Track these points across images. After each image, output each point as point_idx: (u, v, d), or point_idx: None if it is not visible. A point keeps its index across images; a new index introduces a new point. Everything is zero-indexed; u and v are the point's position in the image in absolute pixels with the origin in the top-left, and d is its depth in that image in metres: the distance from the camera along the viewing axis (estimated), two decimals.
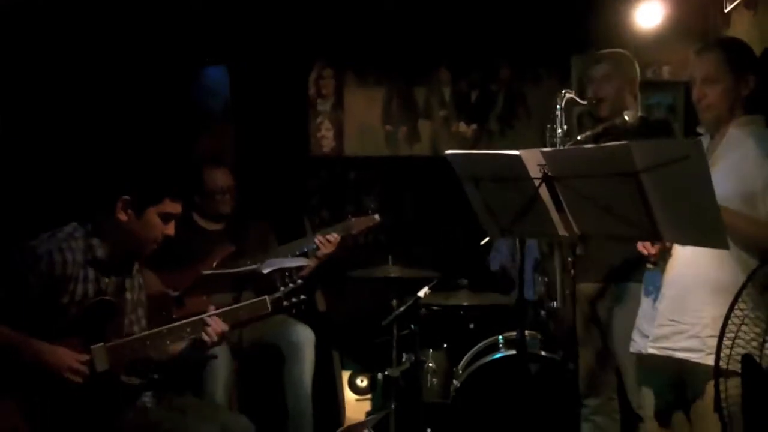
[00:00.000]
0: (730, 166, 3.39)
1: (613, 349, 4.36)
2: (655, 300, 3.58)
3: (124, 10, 5.77)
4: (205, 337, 3.65)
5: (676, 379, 3.53)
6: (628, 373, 4.27)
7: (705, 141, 3.54)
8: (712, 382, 3.20)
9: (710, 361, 3.26)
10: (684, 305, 3.43)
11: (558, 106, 4.32)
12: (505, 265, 5.80)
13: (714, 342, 3.24)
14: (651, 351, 3.54)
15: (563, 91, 4.37)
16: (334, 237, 5.17)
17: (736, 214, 3.28)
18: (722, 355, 3.12)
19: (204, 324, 3.67)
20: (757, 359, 3.14)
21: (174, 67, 6.22)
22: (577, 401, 4.46)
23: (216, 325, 3.67)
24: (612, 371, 4.44)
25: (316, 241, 5.16)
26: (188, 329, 3.67)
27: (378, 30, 6.44)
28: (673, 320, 3.47)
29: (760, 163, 3.36)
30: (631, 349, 3.70)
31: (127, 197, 3.61)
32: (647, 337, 3.57)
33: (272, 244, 5.40)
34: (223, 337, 3.72)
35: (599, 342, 4.41)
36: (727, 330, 3.12)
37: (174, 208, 3.68)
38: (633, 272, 4.18)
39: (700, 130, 3.63)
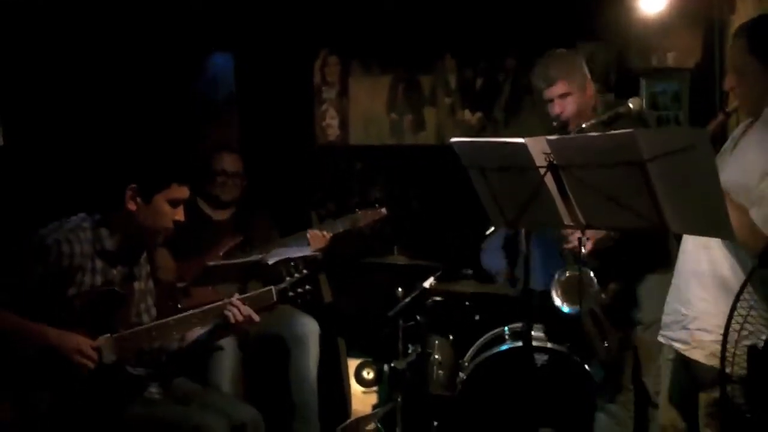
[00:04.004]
0: (741, 153, 3.36)
1: (633, 338, 4.36)
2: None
3: None
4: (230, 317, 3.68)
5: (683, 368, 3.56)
6: (648, 359, 4.28)
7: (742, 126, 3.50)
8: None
9: (696, 355, 3.35)
10: (682, 296, 3.46)
11: None
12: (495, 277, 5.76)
13: (701, 336, 3.33)
14: (659, 339, 3.60)
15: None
16: (324, 234, 5.14)
17: (735, 207, 3.20)
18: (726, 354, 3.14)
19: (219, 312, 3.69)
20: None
21: (178, 56, 6.21)
22: (584, 393, 4.46)
23: (242, 309, 3.70)
24: (630, 361, 4.44)
25: (308, 235, 5.13)
26: (194, 320, 3.68)
27: (383, 18, 6.42)
28: (673, 310, 3.51)
29: (759, 154, 3.29)
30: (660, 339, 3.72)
31: (134, 186, 3.62)
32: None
33: (274, 236, 5.39)
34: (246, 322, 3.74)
35: (620, 332, 4.41)
36: (730, 330, 3.13)
37: (181, 192, 3.70)
38: (654, 263, 4.19)
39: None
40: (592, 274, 4.16)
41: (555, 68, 4.36)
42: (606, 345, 4.31)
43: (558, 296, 4.27)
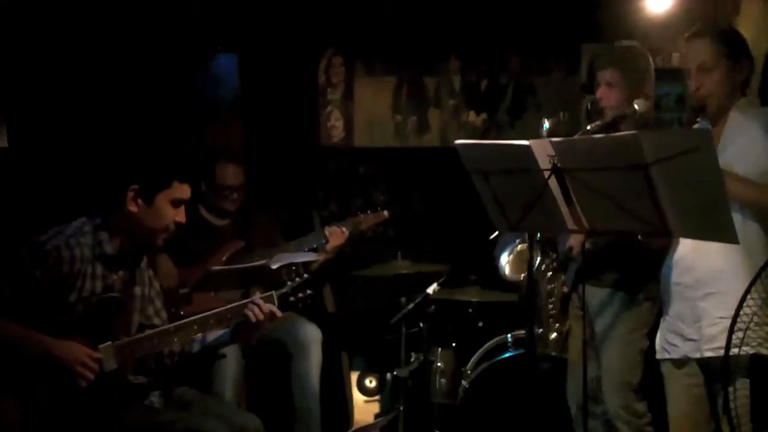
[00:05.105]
0: (740, 151, 3.41)
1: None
2: (688, 302, 3.57)
3: None
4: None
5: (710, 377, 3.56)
6: (608, 377, 4.25)
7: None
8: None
9: (764, 350, 3.34)
10: (729, 300, 3.35)
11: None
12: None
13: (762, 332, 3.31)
14: (708, 354, 3.51)
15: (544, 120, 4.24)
16: (343, 230, 5.16)
17: (743, 181, 3.31)
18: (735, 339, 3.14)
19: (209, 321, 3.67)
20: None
21: (183, 56, 6.21)
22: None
23: (264, 307, 3.68)
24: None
25: (326, 232, 5.15)
26: (195, 326, 3.65)
27: (388, 19, 6.41)
28: (721, 317, 3.43)
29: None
30: (675, 355, 3.66)
31: (136, 187, 3.60)
32: (694, 340, 3.56)
33: (278, 238, 5.38)
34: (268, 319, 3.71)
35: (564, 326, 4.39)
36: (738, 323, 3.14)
37: (183, 191, 3.67)
38: (633, 282, 4.16)
39: (700, 119, 3.61)
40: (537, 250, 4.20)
41: (616, 56, 4.31)
42: (540, 330, 4.30)
43: (506, 263, 4.27)
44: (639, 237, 3.62)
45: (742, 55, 3.54)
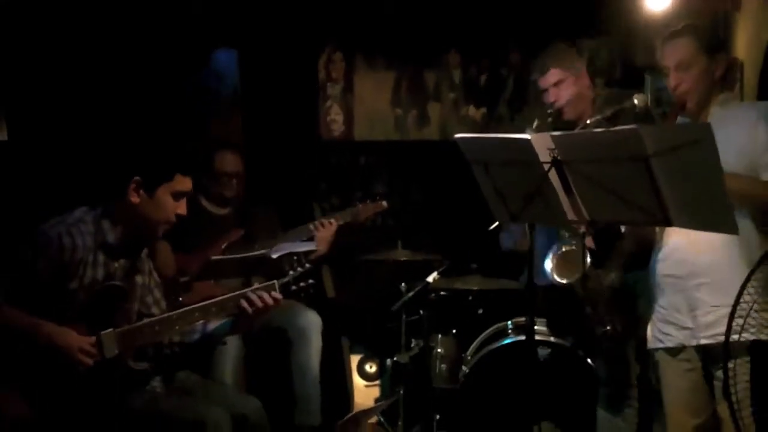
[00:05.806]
0: (724, 145, 3.38)
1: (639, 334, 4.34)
2: (683, 292, 3.59)
3: None
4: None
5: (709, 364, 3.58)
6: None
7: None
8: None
9: (764, 336, 3.38)
10: (726, 289, 3.40)
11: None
12: (516, 248, 5.72)
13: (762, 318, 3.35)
14: (704, 342, 3.53)
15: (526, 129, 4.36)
16: (331, 222, 5.17)
17: (736, 177, 3.31)
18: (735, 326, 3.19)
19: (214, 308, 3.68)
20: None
21: (183, 52, 6.21)
22: (586, 388, 4.44)
23: (265, 296, 3.68)
24: (633, 356, 4.42)
25: (311, 226, 5.16)
26: (197, 314, 3.66)
27: (388, 13, 6.42)
28: (716, 306, 3.47)
29: (754, 134, 3.42)
30: (669, 344, 3.68)
31: (138, 178, 3.61)
32: (689, 329, 3.58)
33: (277, 230, 5.39)
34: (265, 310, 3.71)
35: (621, 328, 4.39)
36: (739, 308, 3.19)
37: (184, 184, 3.69)
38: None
39: (681, 116, 3.63)
40: (587, 250, 4.20)
41: (548, 58, 4.51)
42: (608, 328, 4.30)
43: (552, 269, 4.29)
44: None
45: (718, 49, 3.57)
